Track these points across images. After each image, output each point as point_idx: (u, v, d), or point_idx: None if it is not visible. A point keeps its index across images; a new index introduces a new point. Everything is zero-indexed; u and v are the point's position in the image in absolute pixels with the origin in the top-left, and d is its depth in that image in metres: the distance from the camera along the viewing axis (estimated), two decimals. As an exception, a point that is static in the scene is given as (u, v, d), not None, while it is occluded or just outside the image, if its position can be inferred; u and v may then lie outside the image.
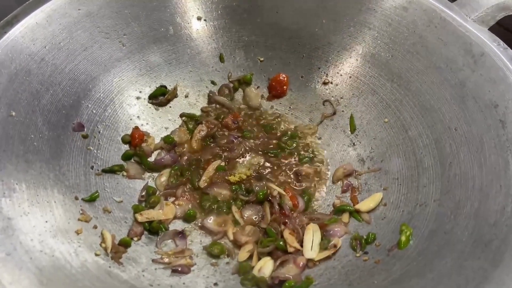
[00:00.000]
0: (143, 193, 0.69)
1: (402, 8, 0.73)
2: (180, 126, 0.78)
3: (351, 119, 0.76)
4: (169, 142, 0.74)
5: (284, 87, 0.81)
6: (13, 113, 0.61)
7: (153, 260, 0.62)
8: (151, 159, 0.74)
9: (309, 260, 0.62)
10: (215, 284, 0.61)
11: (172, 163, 0.73)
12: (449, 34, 0.68)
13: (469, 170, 0.60)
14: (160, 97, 0.78)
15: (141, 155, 0.72)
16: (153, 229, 0.65)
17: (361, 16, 0.75)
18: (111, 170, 0.69)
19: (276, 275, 0.60)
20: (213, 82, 0.81)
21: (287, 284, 0.58)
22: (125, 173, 0.70)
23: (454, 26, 0.68)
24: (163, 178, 0.71)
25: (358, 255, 0.62)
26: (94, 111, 0.71)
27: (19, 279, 0.48)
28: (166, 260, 0.61)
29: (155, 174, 0.72)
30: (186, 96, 0.80)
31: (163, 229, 0.65)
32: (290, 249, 0.63)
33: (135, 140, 0.72)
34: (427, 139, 0.67)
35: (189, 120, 0.78)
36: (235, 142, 0.76)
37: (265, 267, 0.61)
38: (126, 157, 0.72)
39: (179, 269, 0.60)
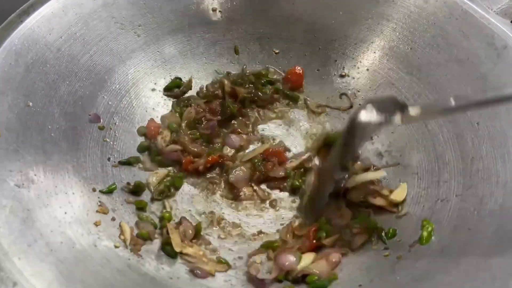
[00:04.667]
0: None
1: (422, 0, 0.71)
2: (170, 110, 0.76)
3: None
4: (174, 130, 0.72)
5: (300, 80, 0.80)
6: (30, 104, 0.60)
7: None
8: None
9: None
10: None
11: (177, 159, 0.70)
12: (471, 27, 0.67)
13: (493, 166, 0.59)
14: (175, 89, 0.77)
15: (152, 150, 0.70)
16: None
17: (379, 8, 0.74)
18: (128, 162, 0.68)
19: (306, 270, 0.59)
20: (228, 75, 0.80)
21: (310, 277, 0.57)
22: (141, 165, 0.70)
23: (476, 18, 0.67)
24: (154, 179, 0.69)
25: (374, 247, 0.61)
26: (110, 103, 0.70)
27: (41, 271, 0.48)
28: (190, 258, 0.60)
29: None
30: (201, 89, 0.79)
31: None
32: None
33: (151, 132, 0.72)
34: (448, 134, 0.66)
35: (179, 102, 0.76)
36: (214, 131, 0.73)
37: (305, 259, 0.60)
38: (141, 149, 0.71)
39: (198, 272, 0.58)
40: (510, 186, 0.56)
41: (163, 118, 0.74)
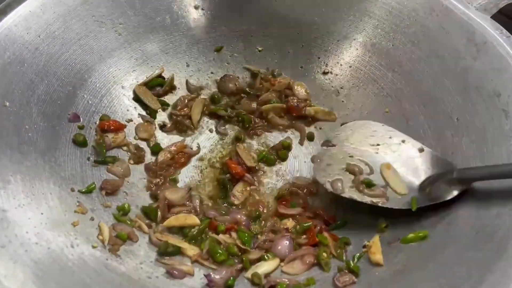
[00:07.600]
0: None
1: (403, -4, 0.72)
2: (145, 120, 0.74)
3: None
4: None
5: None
6: (7, 104, 0.59)
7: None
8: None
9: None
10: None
11: None
12: (451, 22, 0.67)
13: (472, 161, 0.59)
14: (158, 88, 0.76)
15: (101, 144, 0.67)
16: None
17: (362, 5, 0.74)
18: (104, 162, 0.67)
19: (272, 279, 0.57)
20: (211, 73, 0.80)
21: (280, 286, 0.55)
22: (109, 166, 0.67)
23: (456, 14, 0.67)
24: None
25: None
26: (90, 102, 0.70)
27: (14, 272, 0.47)
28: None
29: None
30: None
31: None
32: None
33: (105, 127, 0.68)
34: (429, 129, 0.66)
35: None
36: None
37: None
38: (77, 140, 0.66)
39: (175, 273, 0.58)
40: (488, 181, 0.56)
41: (137, 128, 0.73)
